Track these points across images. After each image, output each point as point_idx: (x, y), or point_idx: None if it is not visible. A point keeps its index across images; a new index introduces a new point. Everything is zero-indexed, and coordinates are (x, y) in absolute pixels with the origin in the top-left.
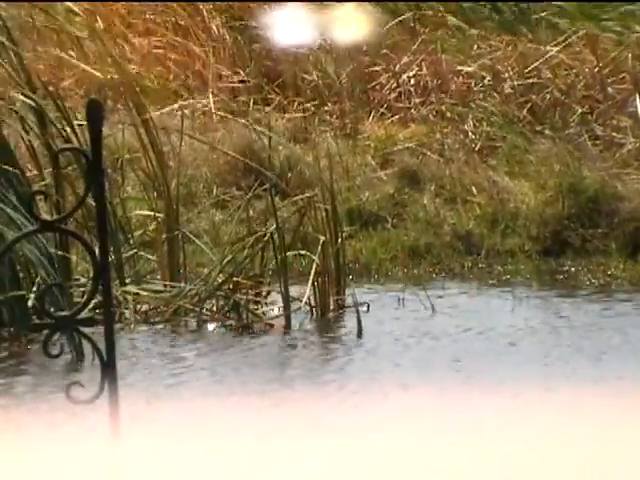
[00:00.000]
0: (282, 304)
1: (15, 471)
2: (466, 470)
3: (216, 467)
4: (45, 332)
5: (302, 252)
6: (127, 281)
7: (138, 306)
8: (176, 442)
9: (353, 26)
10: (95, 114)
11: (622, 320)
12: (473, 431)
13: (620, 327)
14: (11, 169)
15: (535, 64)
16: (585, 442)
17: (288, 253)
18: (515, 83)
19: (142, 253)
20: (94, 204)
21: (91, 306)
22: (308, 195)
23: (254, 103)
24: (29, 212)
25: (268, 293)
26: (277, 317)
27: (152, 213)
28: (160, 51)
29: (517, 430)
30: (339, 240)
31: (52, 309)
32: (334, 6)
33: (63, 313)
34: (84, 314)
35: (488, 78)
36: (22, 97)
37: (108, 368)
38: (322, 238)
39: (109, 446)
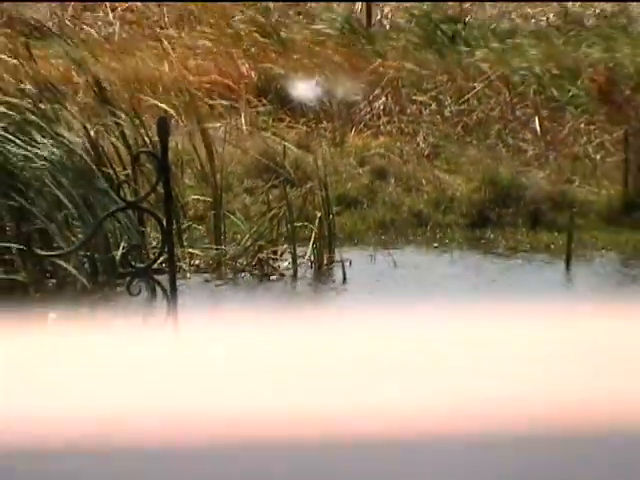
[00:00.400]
0: (291, 260)
1: (101, 356)
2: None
3: (244, 355)
4: (128, 278)
5: (305, 224)
6: (184, 244)
7: (192, 261)
8: (217, 338)
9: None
10: (163, 127)
11: (520, 268)
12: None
13: (518, 272)
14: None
15: (466, 96)
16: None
17: (295, 224)
18: (452, 108)
19: (195, 225)
20: (162, 191)
21: (160, 261)
22: (309, 185)
23: (272, 121)
24: (117, 195)
25: (282, 253)
26: (287, 269)
27: (202, 197)
28: (208, 85)
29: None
30: (330, 216)
31: (133, 262)
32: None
33: (141, 265)
34: (155, 266)
35: (433, 105)
36: (111, 117)
37: (171, 302)
38: (318, 214)
39: (171, 341)
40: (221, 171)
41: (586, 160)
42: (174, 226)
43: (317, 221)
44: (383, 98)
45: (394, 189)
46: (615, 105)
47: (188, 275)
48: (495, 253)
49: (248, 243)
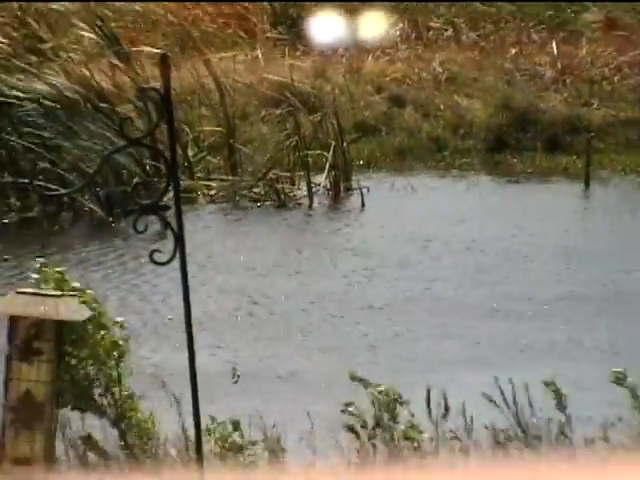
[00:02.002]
0: (308, 189)
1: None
2: None
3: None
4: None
5: (321, 152)
6: (199, 175)
7: (208, 192)
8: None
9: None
10: (165, 64)
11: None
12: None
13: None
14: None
15: (484, 22)
16: None
17: (311, 153)
18: (469, 34)
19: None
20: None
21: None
22: (320, 114)
23: (288, 51)
24: (121, 133)
25: (298, 181)
26: (303, 197)
27: (219, 128)
28: (223, 19)
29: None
30: (344, 143)
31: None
32: None
33: (147, 201)
34: (162, 202)
35: (450, 31)
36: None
37: (179, 239)
38: (332, 143)
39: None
40: (232, 102)
41: (603, 83)
42: (185, 159)
43: (332, 149)
44: (400, 24)
45: (412, 115)
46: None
47: (204, 205)
48: (514, 177)
49: (263, 172)
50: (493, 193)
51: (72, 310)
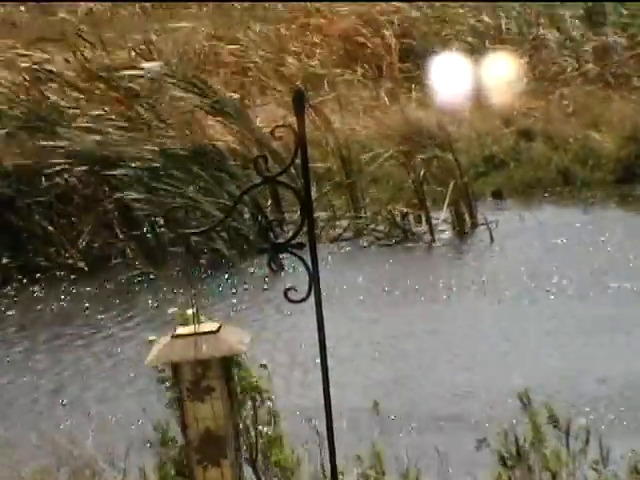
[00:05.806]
0: (427, 225)
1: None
2: None
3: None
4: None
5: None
6: (322, 214)
7: (332, 230)
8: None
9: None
10: (299, 100)
11: None
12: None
13: None
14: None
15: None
16: None
17: (435, 189)
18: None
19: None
20: (300, 163)
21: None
22: (429, 155)
23: (415, 87)
24: (256, 171)
25: (422, 218)
26: (424, 233)
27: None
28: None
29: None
30: (465, 179)
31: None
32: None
33: (280, 241)
34: (295, 241)
35: (575, 66)
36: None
37: (313, 277)
38: (452, 182)
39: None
40: (346, 142)
41: None
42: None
43: (451, 185)
44: (525, 58)
45: (540, 148)
46: None
47: (326, 244)
48: None
49: (386, 209)
50: (625, 225)
51: (231, 344)
